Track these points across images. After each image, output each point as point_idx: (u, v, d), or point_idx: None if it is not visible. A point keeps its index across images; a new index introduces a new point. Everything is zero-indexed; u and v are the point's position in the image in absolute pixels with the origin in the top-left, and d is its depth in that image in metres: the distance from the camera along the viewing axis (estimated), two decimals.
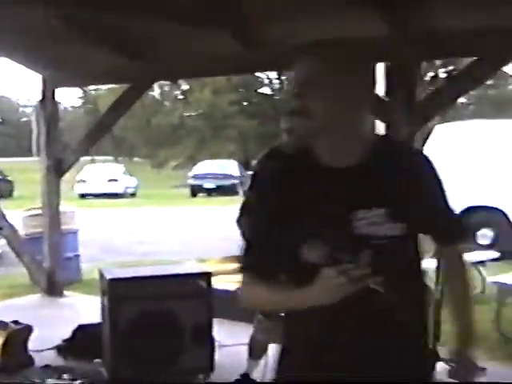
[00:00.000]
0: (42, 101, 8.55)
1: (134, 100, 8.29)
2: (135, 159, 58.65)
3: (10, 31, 6.55)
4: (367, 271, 1.98)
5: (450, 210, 2.32)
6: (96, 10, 5.97)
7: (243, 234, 2.33)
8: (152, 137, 49.03)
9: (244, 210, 2.43)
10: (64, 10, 6.04)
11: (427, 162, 2.26)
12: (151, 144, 50.42)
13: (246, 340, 5.05)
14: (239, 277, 2.30)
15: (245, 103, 41.94)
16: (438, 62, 28.82)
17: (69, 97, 68.58)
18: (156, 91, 50.05)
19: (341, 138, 2.13)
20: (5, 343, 5.73)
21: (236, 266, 2.39)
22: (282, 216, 2.15)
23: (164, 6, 5.76)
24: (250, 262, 2.27)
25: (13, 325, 5.94)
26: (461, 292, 2.43)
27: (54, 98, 8.59)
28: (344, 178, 2.13)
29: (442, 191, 2.28)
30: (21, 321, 6.04)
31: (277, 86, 41.44)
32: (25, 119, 67.50)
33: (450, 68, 30.21)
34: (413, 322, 2.19)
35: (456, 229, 2.40)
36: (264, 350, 4.90)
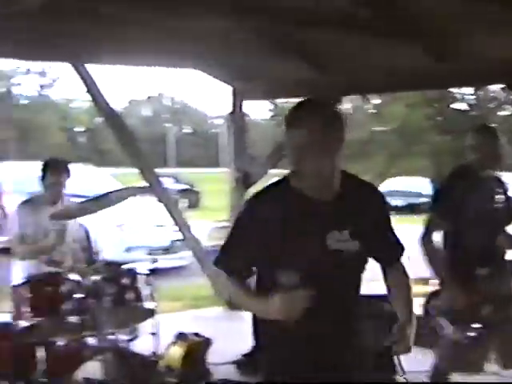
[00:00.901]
0: (232, 113, 8.61)
1: None
2: None
3: (202, 43, 6.62)
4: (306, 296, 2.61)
5: (392, 236, 3.00)
6: (287, 23, 5.92)
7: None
8: None
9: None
10: (255, 22, 6.03)
11: (379, 196, 2.98)
12: None
13: None
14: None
15: (439, 118, 40.63)
16: None
17: (259, 109, 70.15)
18: (347, 105, 49.99)
19: (325, 179, 2.79)
20: (185, 355, 5.75)
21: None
22: (276, 233, 2.74)
23: (355, 19, 5.63)
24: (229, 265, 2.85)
25: (193, 337, 5.96)
26: (405, 298, 3.05)
27: (241, 109, 8.64)
28: (323, 207, 2.79)
29: (388, 220, 2.99)
30: (201, 332, 6.05)
31: (472, 102, 40.06)
32: (213, 131, 69.19)
33: None
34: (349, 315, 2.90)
35: (395, 250, 3.04)
36: None
